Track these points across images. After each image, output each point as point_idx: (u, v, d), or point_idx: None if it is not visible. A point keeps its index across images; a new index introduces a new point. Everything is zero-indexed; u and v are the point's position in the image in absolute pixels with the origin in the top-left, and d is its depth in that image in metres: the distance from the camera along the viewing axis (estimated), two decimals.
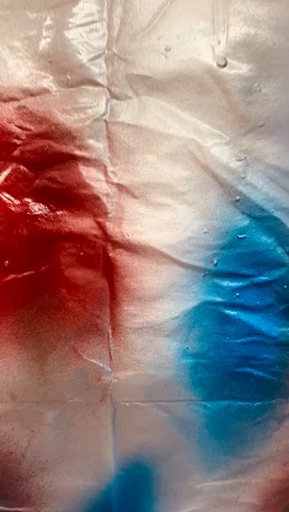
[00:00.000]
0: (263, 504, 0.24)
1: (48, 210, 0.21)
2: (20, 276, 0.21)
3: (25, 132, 0.20)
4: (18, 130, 0.20)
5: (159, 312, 0.22)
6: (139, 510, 0.23)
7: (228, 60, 0.20)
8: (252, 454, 0.23)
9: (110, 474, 0.23)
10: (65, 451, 0.22)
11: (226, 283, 0.22)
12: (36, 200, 0.21)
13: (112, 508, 0.23)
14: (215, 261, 0.22)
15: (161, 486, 0.23)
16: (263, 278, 0.22)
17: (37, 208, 0.21)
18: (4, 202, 0.21)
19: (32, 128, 0.20)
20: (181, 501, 0.23)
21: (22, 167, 0.21)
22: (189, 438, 0.22)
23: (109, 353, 0.22)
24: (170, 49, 0.20)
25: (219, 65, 0.20)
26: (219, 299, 0.22)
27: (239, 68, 0.20)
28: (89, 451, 0.22)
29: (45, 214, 0.21)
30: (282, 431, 0.23)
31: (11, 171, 0.21)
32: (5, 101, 0.20)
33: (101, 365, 0.22)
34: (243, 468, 0.23)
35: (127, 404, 0.22)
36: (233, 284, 0.22)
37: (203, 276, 0.22)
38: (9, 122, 0.20)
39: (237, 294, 0.22)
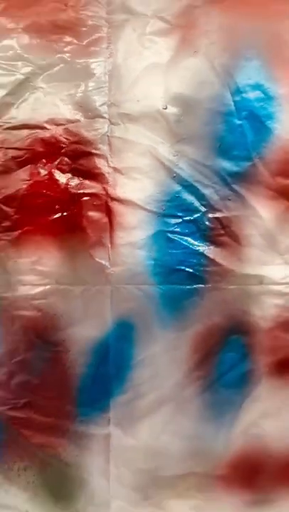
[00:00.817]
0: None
1: (78, 180, 0.42)
2: (60, 215, 0.42)
3: (68, 141, 0.42)
4: (64, 139, 0.42)
5: (136, 236, 0.42)
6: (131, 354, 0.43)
7: (168, 106, 0.41)
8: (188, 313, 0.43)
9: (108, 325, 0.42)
10: (80, 313, 0.42)
11: (169, 220, 0.43)
12: (73, 176, 0.42)
13: (109, 351, 0.42)
14: (164, 208, 0.42)
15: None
16: (189, 218, 0.43)
17: (72, 180, 0.42)
18: (55, 177, 0.42)
19: (71, 139, 0.42)
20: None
21: (66, 158, 0.42)
22: (153, 305, 0.42)
23: (109, 257, 0.42)
24: (139, 100, 0.41)
25: (164, 108, 0.42)
26: (166, 229, 0.43)
27: (173, 109, 0.42)
28: (94, 312, 0.42)
29: (77, 183, 0.42)
30: (204, 301, 0.43)
31: (60, 160, 0.42)
32: (57, 125, 0.41)
33: (104, 263, 0.42)
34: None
35: (119, 286, 0.42)
36: (173, 221, 0.43)
37: (158, 216, 0.42)
38: (60, 135, 0.41)
39: (176, 226, 0.42)
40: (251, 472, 0.50)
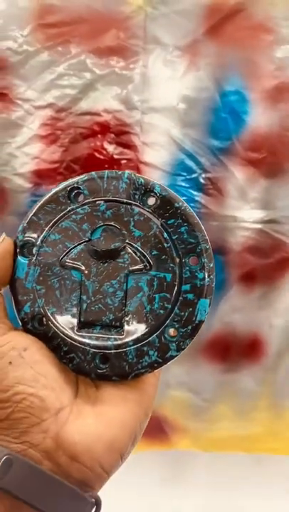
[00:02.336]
0: None
1: (119, 150, 0.58)
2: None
3: (114, 124, 0.58)
4: (112, 123, 0.56)
5: None
6: None
7: (179, 103, 0.61)
8: None
9: None
10: None
11: (177, 178, 0.60)
12: (116, 146, 0.56)
13: None
14: (173, 169, 0.61)
15: None
16: (190, 176, 0.60)
17: (116, 149, 0.61)
18: (105, 147, 0.61)
19: (116, 122, 0.57)
20: None
21: (112, 135, 0.57)
22: None
23: None
24: (161, 99, 0.61)
25: (177, 104, 0.61)
26: (174, 183, 0.59)
27: (182, 105, 0.60)
28: None
29: (118, 151, 0.60)
30: None
31: (108, 136, 0.60)
32: (108, 113, 0.59)
33: None
34: None
35: None
36: (179, 178, 0.60)
37: (169, 175, 0.57)
38: (110, 120, 0.57)
39: (181, 181, 0.62)
40: (224, 349, 0.64)
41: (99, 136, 0.58)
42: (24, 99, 0.57)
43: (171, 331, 0.32)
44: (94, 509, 0.29)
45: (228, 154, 0.58)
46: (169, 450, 0.75)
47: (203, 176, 0.59)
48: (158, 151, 0.58)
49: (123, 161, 0.60)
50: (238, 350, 0.65)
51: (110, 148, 0.58)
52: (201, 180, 0.59)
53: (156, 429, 0.73)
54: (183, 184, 0.60)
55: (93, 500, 0.29)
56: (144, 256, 0.32)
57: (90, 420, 0.29)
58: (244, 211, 0.60)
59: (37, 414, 0.28)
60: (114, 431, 0.29)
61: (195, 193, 0.59)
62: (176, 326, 0.32)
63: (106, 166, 0.59)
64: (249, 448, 0.73)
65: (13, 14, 0.55)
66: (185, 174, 0.58)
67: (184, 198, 0.61)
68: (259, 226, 0.60)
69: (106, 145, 0.59)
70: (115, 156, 0.60)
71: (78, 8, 0.54)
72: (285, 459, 0.76)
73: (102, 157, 0.58)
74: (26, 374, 0.28)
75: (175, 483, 0.81)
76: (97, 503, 0.29)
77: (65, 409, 0.29)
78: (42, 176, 0.58)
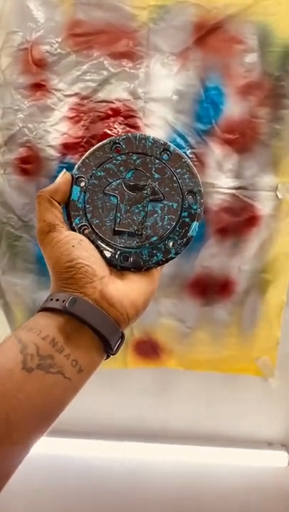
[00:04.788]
0: None
1: (127, 129, 0.71)
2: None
3: (123, 109, 0.71)
4: (122, 108, 0.71)
5: None
6: None
7: (173, 95, 0.76)
8: None
9: None
10: None
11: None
12: (124, 127, 0.70)
13: None
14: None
15: None
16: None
17: (124, 129, 0.73)
18: (115, 127, 0.76)
19: (125, 108, 0.70)
20: None
21: (121, 118, 0.70)
22: None
23: None
24: (159, 91, 0.79)
25: (171, 96, 0.73)
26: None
27: (175, 97, 0.75)
28: None
29: (126, 130, 0.72)
30: None
31: (118, 118, 0.75)
32: (120, 101, 0.75)
33: None
34: None
35: None
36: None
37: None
38: (120, 106, 0.69)
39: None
40: (203, 287, 0.77)
41: (112, 118, 0.68)
42: (57, 89, 0.69)
43: (172, 242, 0.41)
44: (120, 339, 0.38)
45: (209, 135, 0.68)
46: (159, 368, 0.88)
47: (190, 151, 0.69)
48: (156, 131, 0.70)
49: None
50: (214, 289, 0.77)
51: (120, 128, 0.69)
52: (188, 155, 0.69)
53: (150, 350, 0.87)
54: None
55: (121, 332, 0.38)
56: (160, 191, 0.42)
57: (121, 286, 0.40)
58: (220, 179, 0.70)
59: (90, 276, 0.38)
60: (136, 295, 0.40)
61: None
62: (176, 238, 0.42)
63: None
64: (222, 368, 0.87)
65: (51, 26, 0.66)
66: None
67: None
68: (232, 191, 0.71)
69: (117, 125, 0.69)
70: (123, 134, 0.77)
71: (99, 23, 0.66)
72: (249, 377, 0.88)
73: (113, 134, 0.68)
74: (84, 253, 0.39)
75: (166, 396, 0.93)
76: (123, 336, 0.39)
77: (106, 277, 0.39)
78: (68, 148, 0.70)
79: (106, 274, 0.40)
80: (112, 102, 0.69)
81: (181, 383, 0.91)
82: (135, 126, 0.71)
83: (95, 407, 0.88)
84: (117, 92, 0.69)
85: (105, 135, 0.69)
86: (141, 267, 0.42)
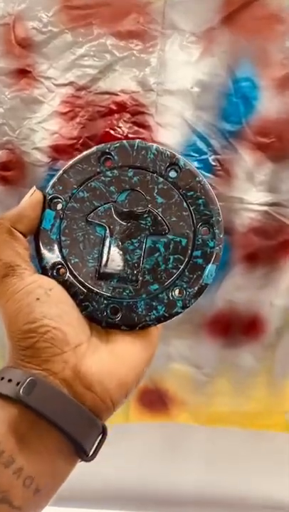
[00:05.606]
0: None
1: (134, 129, 0.59)
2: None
3: (131, 104, 0.59)
4: (128, 103, 0.57)
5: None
6: None
7: (193, 86, 0.64)
8: None
9: None
10: None
11: (188, 158, 0.64)
12: (132, 126, 0.57)
13: None
14: (185, 150, 0.65)
15: None
16: (201, 157, 0.64)
17: (131, 128, 0.61)
18: (120, 126, 0.63)
19: (133, 102, 0.58)
20: None
21: (128, 115, 0.57)
22: None
23: None
24: (176, 81, 0.64)
25: (191, 88, 0.62)
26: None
27: (196, 89, 0.63)
28: None
29: (133, 130, 0.60)
30: None
31: (125, 115, 0.63)
32: (126, 93, 0.62)
33: None
34: None
35: None
36: (189, 158, 0.66)
37: (181, 155, 0.65)
38: (126, 100, 0.57)
39: (192, 162, 0.66)
40: (225, 325, 0.66)
41: (115, 115, 0.58)
42: (46, 77, 0.58)
43: (179, 290, 0.36)
44: (100, 436, 0.33)
45: (238, 138, 0.58)
46: (169, 423, 0.77)
47: (213, 157, 0.59)
48: (171, 132, 0.59)
49: None
50: (239, 327, 0.66)
51: (126, 127, 0.58)
52: (211, 162, 0.59)
53: (157, 402, 0.76)
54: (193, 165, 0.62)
55: (101, 427, 0.32)
56: (164, 221, 0.36)
57: (105, 356, 0.33)
58: (250, 193, 0.60)
59: (59, 345, 0.31)
60: (125, 369, 0.33)
61: (204, 173, 0.58)
62: (184, 286, 0.36)
63: None
64: (246, 424, 0.76)
65: None
66: (196, 155, 0.58)
67: None
68: (264, 208, 0.61)
69: (122, 124, 0.59)
70: (130, 135, 0.61)
71: None
72: (278, 436, 0.78)
73: (117, 135, 0.58)
74: (52, 310, 0.32)
75: (174, 455, 0.82)
76: (104, 431, 0.33)
77: (83, 344, 0.33)
78: (60, 151, 0.59)
79: (83, 340, 0.33)
80: (117, 95, 0.58)
81: (192, 440, 0.80)
82: (145, 126, 0.59)
83: (88, 469, 0.72)
84: (122, 82, 0.58)
85: (107, 136, 0.59)
86: (135, 325, 0.35)
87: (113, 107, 0.58)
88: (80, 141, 0.58)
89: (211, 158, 0.59)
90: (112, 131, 0.59)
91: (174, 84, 0.58)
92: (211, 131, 0.59)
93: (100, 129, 0.59)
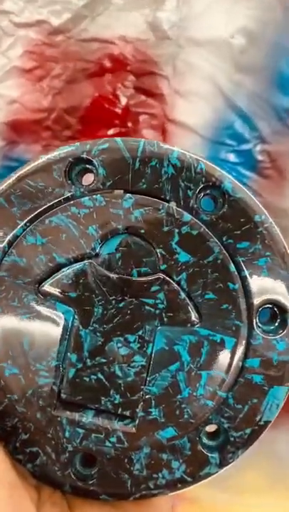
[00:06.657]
0: None
1: (139, 99, 0.44)
2: (119, 130, 0.44)
3: (134, 59, 0.43)
4: (131, 57, 0.42)
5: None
6: None
7: (235, 35, 0.43)
8: None
9: None
10: None
11: (221, 148, 0.44)
12: (135, 93, 0.44)
13: None
14: (217, 135, 0.44)
15: None
16: (241, 147, 0.44)
17: (134, 98, 0.44)
18: (118, 93, 0.44)
19: (138, 57, 0.43)
20: None
21: (130, 76, 0.43)
22: None
23: None
24: (206, 26, 0.43)
25: (230, 37, 0.43)
26: (217, 156, 0.44)
27: (240, 39, 0.43)
28: None
29: (137, 101, 0.44)
30: None
31: (124, 77, 0.43)
32: (127, 42, 0.42)
33: None
34: None
35: None
36: (225, 149, 0.44)
37: (210, 143, 0.44)
38: (128, 53, 0.42)
39: (227, 154, 0.45)
40: None
41: (110, 75, 0.44)
42: (3, 11, 0.43)
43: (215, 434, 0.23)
44: None
45: None
46: None
47: (260, 148, 0.45)
48: (196, 105, 0.44)
49: (142, 117, 0.44)
50: None
51: (125, 95, 0.44)
52: (256, 155, 0.45)
53: None
54: (229, 158, 0.45)
55: None
56: (192, 299, 0.23)
57: None
58: None
59: None
60: None
61: (246, 172, 0.45)
62: (226, 425, 0.22)
63: (116, 121, 0.45)
64: None
65: None
66: (233, 144, 0.45)
67: None
68: None
69: (120, 91, 0.45)
70: (132, 109, 0.44)
71: None
72: None
73: (112, 108, 0.45)
74: None
75: None
76: None
77: None
78: (20, 130, 0.45)
79: None
80: (112, 43, 0.43)
81: None
82: (156, 94, 0.45)
83: None
84: (122, 24, 0.43)
85: (95, 109, 0.45)
86: (126, 494, 0.23)
87: (106, 63, 0.44)
88: (53, 116, 0.44)
89: (256, 150, 0.46)
90: (104, 102, 0.45)
91: (204, 30, 0.44)
92: (260, 107, 0.45)
93: (85, 98, 0.45)
